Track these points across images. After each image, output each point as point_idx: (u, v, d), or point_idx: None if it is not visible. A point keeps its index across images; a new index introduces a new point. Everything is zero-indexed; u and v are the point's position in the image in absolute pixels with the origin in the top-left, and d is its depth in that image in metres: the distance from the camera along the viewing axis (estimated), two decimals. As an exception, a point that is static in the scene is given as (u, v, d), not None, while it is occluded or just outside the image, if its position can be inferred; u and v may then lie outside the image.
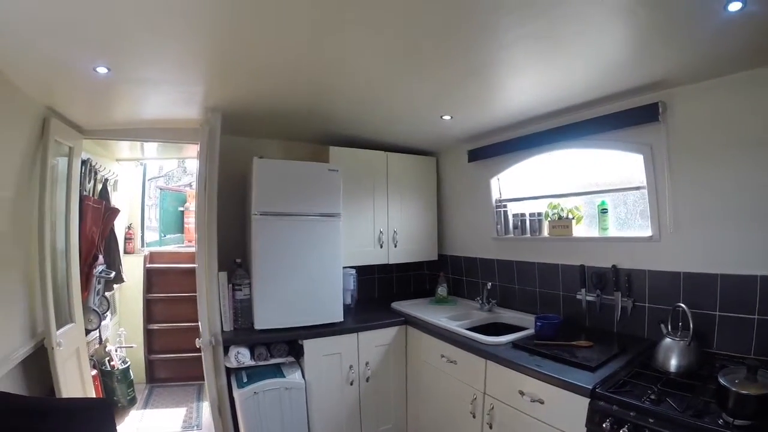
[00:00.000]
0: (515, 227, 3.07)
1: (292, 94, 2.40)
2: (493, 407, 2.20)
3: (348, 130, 3.16)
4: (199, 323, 2.65)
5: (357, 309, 3.28)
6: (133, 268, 4.59)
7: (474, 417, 2.32)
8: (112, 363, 3.69)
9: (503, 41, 1.71)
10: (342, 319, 2.87)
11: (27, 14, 1.45)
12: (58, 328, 2.48)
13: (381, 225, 3.49)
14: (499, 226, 3.22)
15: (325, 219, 2.82)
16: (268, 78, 2.14)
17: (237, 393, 2.51)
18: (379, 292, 3.89)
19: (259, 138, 3.32)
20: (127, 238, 4.80)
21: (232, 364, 2.56)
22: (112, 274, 3.46)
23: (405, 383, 3.04)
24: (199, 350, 4.28)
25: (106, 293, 3.65)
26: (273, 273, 2.66)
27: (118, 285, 3.98)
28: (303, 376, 2.66)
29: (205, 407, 3.85)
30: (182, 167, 7.51)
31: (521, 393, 2.01)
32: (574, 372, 1.88)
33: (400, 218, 3.60)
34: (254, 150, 2.84)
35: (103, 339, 3.52)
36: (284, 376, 2.61)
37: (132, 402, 3.81)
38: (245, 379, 2.57)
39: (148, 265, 4.69)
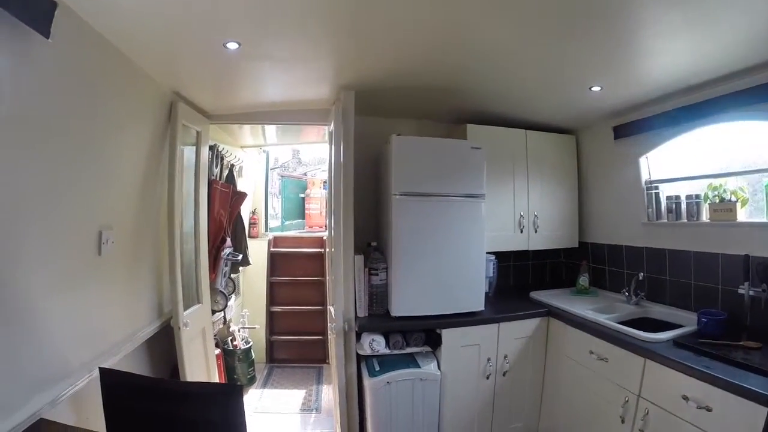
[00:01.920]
0: (669, 211, 2.74)
1: (428, 69, 2.24)
2: (648, 412, 1.96)
3: (485, 106, 2.91)
4: (331, 308, 2.60)
5: (495, 298, 3.11)
6: (257, 251, 4.76)
7: (623, 422, 2.09)
8: (234, 343, 3.82)
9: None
10: (483, 308, 2.69)
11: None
12: (185, 309, 2.54)
13: (521, 208, 3.22)
14: (650, 210, 2.86)
15: (468, 200, 2.61)
16: (403, 53, 2.02)
17: (368, 382, 2.42)
18: (514, 281, 3.63)
19: (390, 118, 3.18)
20: (251, 223, 5.00)
21: (366, 351, 2.46)
22: (239, 257, 3.56)
23: (542, 380, 2.83)
24: (319, 334, 4.40)
25: (232, 275, 3.77)
26: (412, 257, 2.51)
27: (243, 268, 4.12)
28: (438, 368, 2.53)
29: (325, 391, 3.87)
30: (297, 158, 7.81)
31: (685, 398, 1.78)
32: (748, 376, 1.64)
33: (541, 201, 3.31)
34: (386, 130, 2.69)
35: (228, 319, 3.65)
36: (419, 367, 2.49)
37: (251, 381, 3.93)
38: (377, 368, 2.47)
39: (272, 249, 4.88)
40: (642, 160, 2.91)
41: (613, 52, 1.97)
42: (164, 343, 2.46)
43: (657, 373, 1.95)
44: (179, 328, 2.42)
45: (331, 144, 2.71)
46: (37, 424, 1.41)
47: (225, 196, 3.32)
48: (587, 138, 3.43)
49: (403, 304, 2.52)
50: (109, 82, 1.88)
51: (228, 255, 3.37)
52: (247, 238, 4.24)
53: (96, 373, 1.64)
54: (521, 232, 3.21)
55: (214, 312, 3.15)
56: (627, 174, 3.02)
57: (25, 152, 1.40)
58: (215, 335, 3.45)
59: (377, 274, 2.55)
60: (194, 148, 2.81)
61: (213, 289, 3.08)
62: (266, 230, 5.27)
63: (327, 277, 4.55)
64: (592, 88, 2.47)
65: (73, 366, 1.67)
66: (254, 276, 4.76)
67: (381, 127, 2.99)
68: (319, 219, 5.87)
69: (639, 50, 1.96)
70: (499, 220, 3.10)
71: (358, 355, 2.55)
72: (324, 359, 4.58)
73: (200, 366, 2.74)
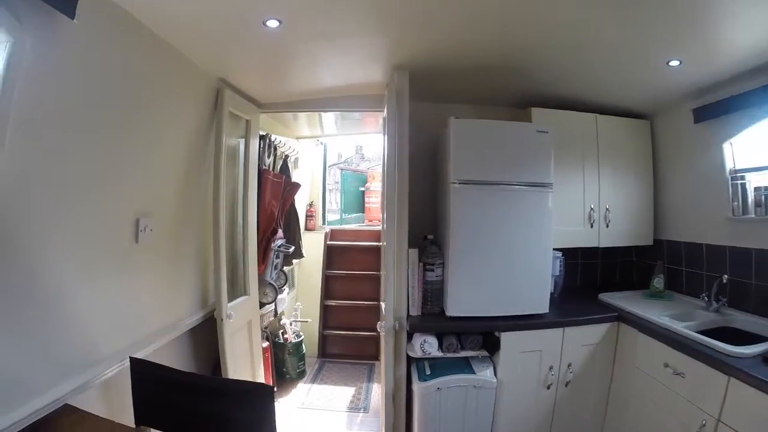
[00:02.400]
0: (757, 204, 2.34)
1: (493, 46, 2.04)
2: (728, 440, 1.64)
3: (551, 87, 2.62)
4: (382, 305, 2.46)
5: (560, 299, 2.81)
6: (313, 244, 4.74)
7: (698, 449, 1.77)
8: (285, 336, 3.78)
9: None
10: (547, 311, 2.42)
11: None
12: (230, 301, 2.49)
13: (591, 200, 2.87)
14: (735, 204, 2.47)
15: (533, 189, 2.34)
16: (461, 27, 1.83)
17: (417, 386, 2.24)
18: (581, 280, 3.27)
19: (447, 103, 2.94)
20: (308, 216, 4.98)
21: (416, 353, 2.28)
22: (291, 249, 3.50)
23: (608, 393, 2.53)
24: (373, 330, 4.25)
25: (285, 268, 3.73)
26: (471, 251, 2.29)
27: (297, 260, 4.07)
28: (495, 374, 2.31)
29: (375, 389, 3.75)
30: (360, 154, 7.80)
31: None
32: None
33: (614, 193, 2.93)
34: (442, 116, 2.48)
35: (279, 312, 3.61)
36: (474, 372, 2.29)
37: (301, 375, 3.87)
38: (428, 371, 2.30)
39: (328, 242, 4.81)
40: (726, 147, 2.49)
41: (694, 18, 1.66)
42: (208, 335, 2.42)
43: (742, 395, 1.65)
44: (221, 320, 2.37)
45: (385, 131, 2.54)
46: (61, 409, 1.39)
47: (277, 186, 3.27)
48: (663, 122, 3.01)
49: (459, 303, 2.31)
50: (151, 69, 1.84)
51: (279, 246, 3.32)
52: (302, 230, 4.19)
53: (127, 362, 1.61)
54: (591, 226, 2.87)
55: (263, 304, 3.11)
56: (709, 162, 2.62)
57: (63, 138, 1.40)
58: (265, 328, 3.43)
59: (432, 270, 2.35)
60: (243, 137, 2.75)
61: (262, 281, 3.03)
62: (324, 223, 5.22)
63: (381, 271, 4.43)
64: (670, 63, 2.13)
65: (104, 353, 1.65)
66: (309, 269, 4.72)
67: (437, 113, 2.75)
68: (379, 213, 5.69)
69: (725, 16, 1.64)
70: (567, 213, 2.77)
71: (408, 356, 2.37)
72: (377, 356, 4.43)
73: (244, 360, 2.70)
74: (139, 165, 1.82)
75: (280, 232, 3.31)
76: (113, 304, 1.71)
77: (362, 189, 6.18)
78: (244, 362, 2.69)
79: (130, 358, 1.62)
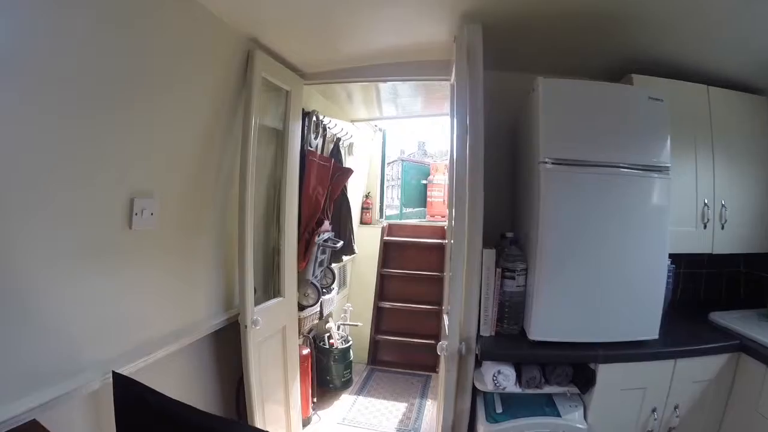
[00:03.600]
0: None
1: None
2: None
3: (648, 48, 2.01)
4: (445, 318, 1.98)
5: (664, 320, 2.09)
6: (368, 239, 4.36)
7: None
8: (331, 341, 3.39)
9: None
10: (656, 336, 1.81)
11: None
12: (259, 303, 2.11)
13: (705, 194, 2.18)
14: None
15: (645, 174, 1.75)
16: None
17: (485, 428, 1.74)
18: (682, 294, 2.57)
19: (526, 72, 2.26)
20: (364, 208, 4.59)
21: (487, 386, 1.76)
22: (340, 244, 3.07)
23: None
24: (432, 338, 3.79)
25: (333, 265, 3.34)
26: (565, 255, 1.72)
27: (348, 257, 3.65)
28: (585, 417, 1.76)
29: (429, 407, 3.32)
30: (422, 150, 7.42)
31: None
32: None
33: (729, 186, 2.22)
34: (521, 89, 1.94)
35: (325, 314, 3.22)
36: (558, 414, 1.76)
37: (346, 384, 3.47)
38: (498, 408, 1.78)
39: (385, 238, 4.41)
40: None
41: None
42: (234, 341, 2.05)
43: None
44: (245, 327, 1.99)
45: (453, 102, 2.00)
46: (26, 426, 1.11)
47: (324, 171, 2.85)
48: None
49: (547, 324, 1.75)
50: (161, 26, 1.48)
51: (325, 240, 2.91)
52: (355, 223, 3.76)
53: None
54: (704, 227, 2.18)
55: (303, 307, 2.72)
56: None
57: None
58: (309, 332, 3.05)
59: (513, 278, 1.79)
60: (284, 113, 2.36)
61: (303, 281, 2.64)
62: (381, 217, 4.81)
63: (445, 274, 3.97)
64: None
65: (87, 362, 1.32)
66: (363, 267, 4.34)
67: (515, 86, 2.17)
68: (442, 208, 5.31)
69: None
70: (676, 209, 2.03)
71: (474, 386, 1.84)
72: (434, 367, 3.98)
73: (275, 372, 2.31)
74: (136, 133, 1.46)
75: (326, 224, 2.90)
76: (99, 304, 1.36)
77: (424, 182, 5.77)
78: (276, 375, 2.30)
79: (113, 373, 1.30)
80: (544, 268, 1.70)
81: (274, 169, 2.40)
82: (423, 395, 3.54)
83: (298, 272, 2.59)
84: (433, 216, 5.30)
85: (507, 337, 1.83)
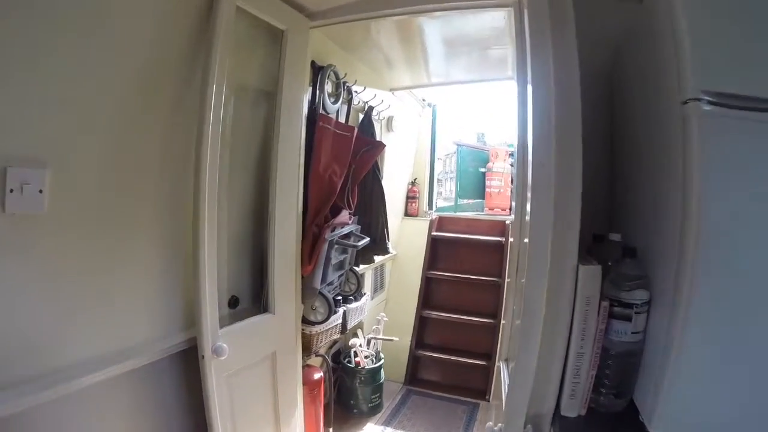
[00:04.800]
0: None
1: None
2: None
3: None
4: (503, 373, 1.35)
5: None
6: (413, 235, 3.77)
7: None
8: (357, 359, 2.74)
9: None
10: None
11: None
12: (230, 323, 1.50)
13: None
14: None
15: None
16: None
17: None
18: None
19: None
20: (410, 197, 3.91)
21: None
22: (364, 242, 2.35)
23: None
24: (483, 357, 3.18)
25: (362, 266, 2.68)
26: (743, 281, 0.82)
27: (381, 257, 2.96)
28: None
29: None
30: (482, 141, 6.78)
31: None
32: None
33: None
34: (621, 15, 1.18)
35: (351, 326, 2.56)
36: None
37: (374, 410, 2.83)
38: None
39: (434, 233, 3.75)
40: None
41: None
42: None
43: None
44: (203, 357, 1.38)
45: (522, 36, 1.30)
46: None
47: (343, 143, 2.17)
48: None
49: (690, 407, 0.88)
50: None
51: (345, 236, 2.24)
52: (392, 214, 3.06)
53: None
54: None
55: (311, 323, 2.09)
56: None
57: None
58: (330, 348, 2.43)
59: (628, 318, 0.98)
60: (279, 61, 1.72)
61: (309, 290, 1.98)
62: (430, 208, 4.12)
63: (506, 280, 3.24)
64: None
65: None
66: (405, 267, 3.70)
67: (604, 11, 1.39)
68: (502, 200, 4.60)
69: None
70: None
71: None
72: (484, 393, 3.29)
73: (261, 409, 1.70)
74: (15, 76, 0.96)
75: (345, 214, 2.23)
76: None
77: (482, 170, 5.03)
78: (261, 412, 1.69)
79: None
80: (701, 304, 0.83)
81: (265, 136, 1.77)
82: (468, 427, 2.90)
83: (303, 278, 1.95)
84: (491, 209, 4.61)
85: (604, 420, 1.04)
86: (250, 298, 1.78)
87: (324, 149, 2.02)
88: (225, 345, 1.41)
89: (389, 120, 3.08)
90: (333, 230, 2.08)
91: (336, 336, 2.46)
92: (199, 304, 1.37)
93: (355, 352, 2.76)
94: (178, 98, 1.39)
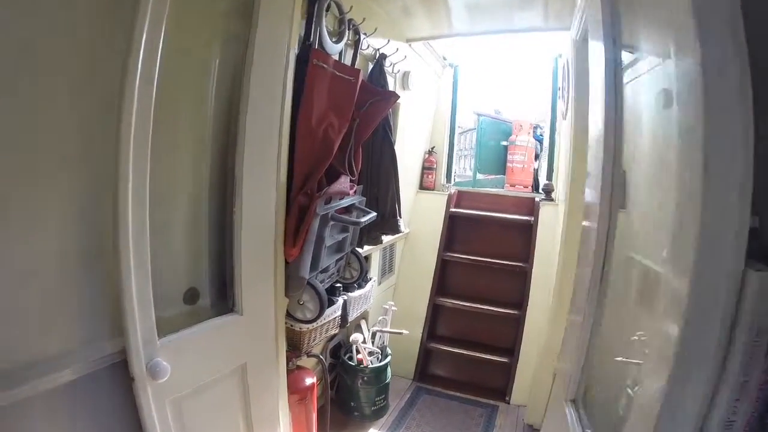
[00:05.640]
0: None
1: None
2: None
3: None
4: None
5: None
6: (428, 210, 3.38)
7: None
8: (359, 356, 2.34)
9: None
10: None
11: None
12: (175, 330, 1.09)
13: None
14: None
15: None
16: None
17: None
18: None
19: None
20: (426, 167, 3.49)
21: None
22: (368, 217, 1.87)
23: None
24: (505, 353, 2.90)
25: (367, 247, 2.26)
26: None
27: (389, 236, 2.50)
28: None
29: None
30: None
31: None
32: None
33: None
34: None
35: (352, 317, 2.14)
36: None
37: (378, 413, 2.47)
38: None
39: (452, 209, 3.38)
40: None
41: None
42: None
43: None
44: (133, 379, 0.97)
45: None
46: None
47: (345, 87, 1.68)
48: None
49: None
50: None
51: (345, 209, 1.81)
52: (405, 186, 2.57)
53: None
54: None
55: (298, 321, 1.67)
56: None
57: None
58: (328, 342, 2.03)
59: None
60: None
61: (295, 279, 1.55)
62: (449, 181, 3.70)
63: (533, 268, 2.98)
64: None
65: None
66: (418, 246, 3.31)
67: None
68: (524, 175, 4.32)
69: None
70: None
71: None
72: (503, 394, 2.93)
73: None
74: None
75: (344, 181, 1.77)
76: None
77: (504, 143, 4.69)
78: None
79: None
80: None
81: (235, 75, 1.32)
82: (487, 432, 2.55)
83: (287, 264, 1.52)
84: (513, 185, 4.31)
85: None
86: (216, 291, 1.36)
87: (318, 95, 1.55)
88: (164, 362, 1.00)
89: (405, 75, 2.58)
90: (328, 202, 1.63)
91: (334, 331, 2.05)
92: (125, 306, 0.95)
93: (357, 349, 2.35)
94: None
